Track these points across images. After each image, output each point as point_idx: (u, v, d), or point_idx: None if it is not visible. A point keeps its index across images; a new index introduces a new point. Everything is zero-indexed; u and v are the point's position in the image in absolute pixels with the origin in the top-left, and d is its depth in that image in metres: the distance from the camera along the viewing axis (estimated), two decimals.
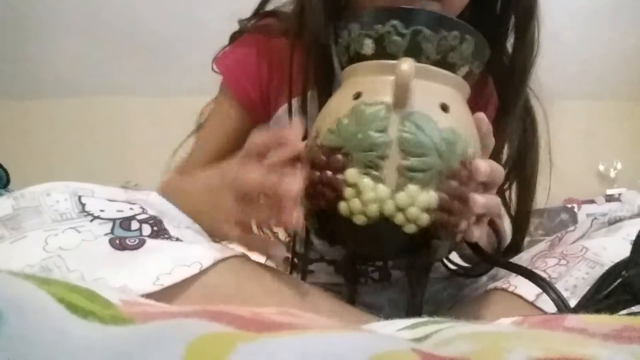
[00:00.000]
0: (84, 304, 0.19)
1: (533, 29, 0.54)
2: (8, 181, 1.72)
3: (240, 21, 0.65)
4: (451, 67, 0.39)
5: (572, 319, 0.24)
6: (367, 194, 0.36)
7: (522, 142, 0.56)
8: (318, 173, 0.38)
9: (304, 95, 0.55)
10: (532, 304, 0.39)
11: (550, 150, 0.60)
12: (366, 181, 0.36)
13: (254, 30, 0.63)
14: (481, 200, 0.37)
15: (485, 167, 0.37)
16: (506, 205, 0.60)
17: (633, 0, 2.06)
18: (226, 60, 0.63)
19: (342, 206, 0.37)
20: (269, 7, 0.64)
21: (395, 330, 0.26)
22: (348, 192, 0.36)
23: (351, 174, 0.36)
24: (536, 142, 0.58)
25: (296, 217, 0.37)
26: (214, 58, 0.64)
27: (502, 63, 0.56)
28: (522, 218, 0.59)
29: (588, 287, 0.38)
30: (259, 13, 0.64)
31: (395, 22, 0.38)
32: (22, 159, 2.06)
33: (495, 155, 0.54)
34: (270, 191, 0.38)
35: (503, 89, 0.56)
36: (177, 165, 0.64)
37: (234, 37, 0.65)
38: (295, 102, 0.56)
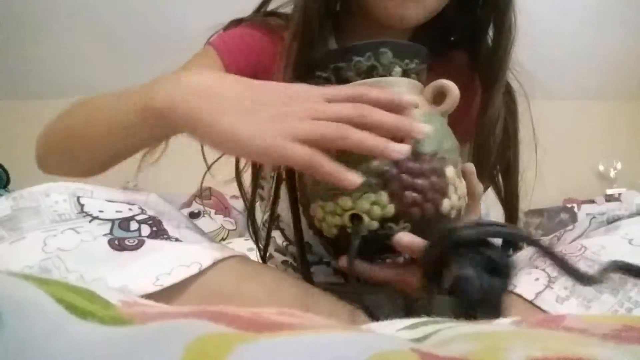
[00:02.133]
0: (83, 304, 0.19)
1: (511, 17, 0.59)
2: (8, 181, 1.72)
3: (233, 21, 0.66)
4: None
5: (572, 319, 0.24)
6: None
7: (504, 124, 0.61)
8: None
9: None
10: (531, 302, 0.39)
11: (536, 141, 0.64)
12: None
13: (250, 22, 0.64)
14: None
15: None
16: (497, 188, 0.63)
17: (634, 2, 2.06)
18: (222, 38, 0.62)
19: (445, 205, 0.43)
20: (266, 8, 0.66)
21: (395, 331, 0.26)
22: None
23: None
24: (516, 122, 0.63)
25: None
26: (208, 40, 0.62)
27: (484, 48, 0.62)
28: (511, 201, 0.62)
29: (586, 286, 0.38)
30: (257, 14, 0.65)
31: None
32: (22, 159, 2.06)
33: (487, 135, 0.58)
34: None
35: (486, 70, 0.61)
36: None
37: (230, 25, 0.65)
38: None
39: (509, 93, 0.62)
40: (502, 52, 0.59)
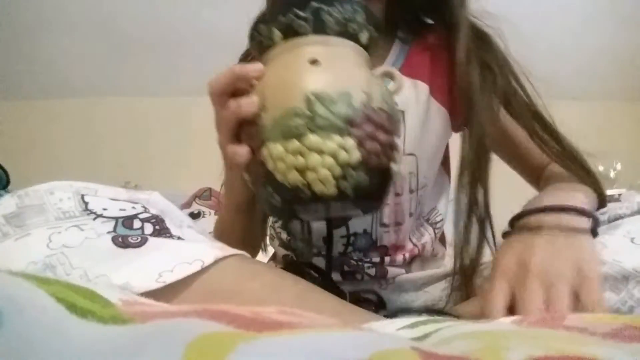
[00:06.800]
0: (83, 303, 0.19)
1: None
2: (8, 182, 1.72)
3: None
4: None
5: (572, 318, 0.24)
6: None
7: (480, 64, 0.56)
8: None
9: None
10: None
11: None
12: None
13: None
14: None
15: None
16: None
17: (632, 2, 2.06)
18: None
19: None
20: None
21: (395, 330, 0.26)
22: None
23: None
24: (497, 55, 0.58)
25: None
26: None
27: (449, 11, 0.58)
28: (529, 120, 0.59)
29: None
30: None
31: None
32: (23, 159, 2.06)
33: (468, 86, 0.54)
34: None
35: (447, 19, 0.57)
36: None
37: None
38: None
39: (479, 37, 0.58)
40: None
